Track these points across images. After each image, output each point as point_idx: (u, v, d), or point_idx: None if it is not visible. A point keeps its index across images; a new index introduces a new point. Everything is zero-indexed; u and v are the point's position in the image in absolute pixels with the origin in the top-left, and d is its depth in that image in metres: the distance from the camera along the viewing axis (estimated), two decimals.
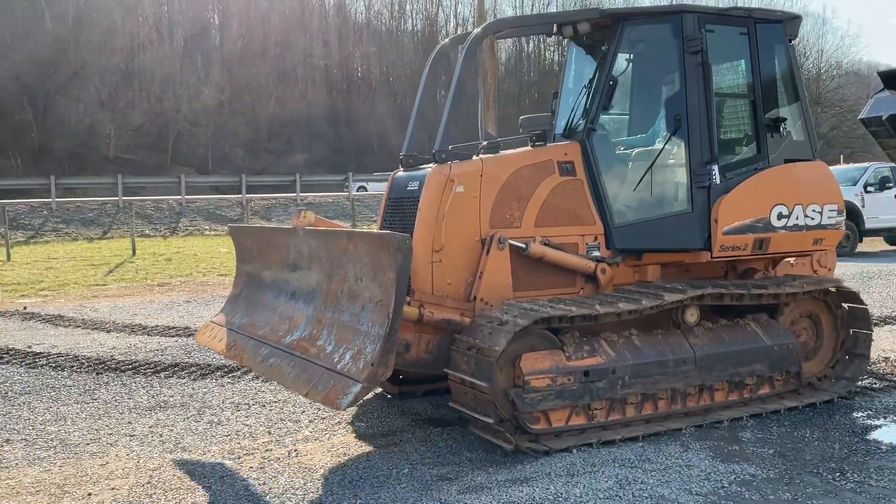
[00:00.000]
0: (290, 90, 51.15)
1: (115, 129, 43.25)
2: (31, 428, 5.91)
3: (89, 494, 4.57)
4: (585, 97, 6.14)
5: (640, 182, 6.06)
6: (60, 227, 26.48)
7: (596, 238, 5.93)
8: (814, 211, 6.34)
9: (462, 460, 4.98)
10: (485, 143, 6.01)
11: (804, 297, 6.17)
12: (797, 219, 6.27)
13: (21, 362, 8.15)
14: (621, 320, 5.37)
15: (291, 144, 48.46)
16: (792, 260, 6.87)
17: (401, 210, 5.83)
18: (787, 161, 6.32)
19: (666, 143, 6.09)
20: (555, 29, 6.49)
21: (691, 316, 5.62)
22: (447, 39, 6.78)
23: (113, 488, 4.66)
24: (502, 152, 5.92)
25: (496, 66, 6.52)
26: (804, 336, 6.32)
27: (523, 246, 5.62)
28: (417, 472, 4.76)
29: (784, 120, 6.32)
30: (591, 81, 6.14)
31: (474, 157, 5.69)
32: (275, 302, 5.90)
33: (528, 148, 5.96)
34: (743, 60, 6.41)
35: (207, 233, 26.95)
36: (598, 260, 5.88)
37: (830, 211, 6.43)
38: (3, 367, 7.98)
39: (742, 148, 6.43)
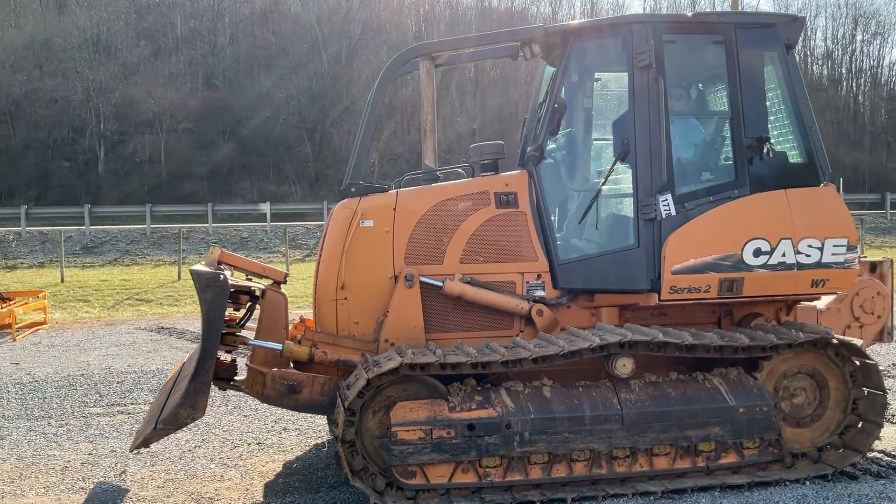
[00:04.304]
0: None
1: (379, 157, 47.04)
2: (303, 420, 6.87)
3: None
4: (536, 123, 5.59)
5: (585, 214, 5.36)
6: None
7: (539, 276, 5.30)
8: (810, 246, 5.20)
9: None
10: (409, 174, 5.59)
11: (779, 351, 5.05)
12: (783, 256, 5.17)
13: None
14: (527, 369, 4.73)
15: None
16: (820, 304, 5.68)
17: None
18: (781, 188, 5.28)
19: (611, 171, 5.32)
20: (518, 51, 5.83)
21: (623, 367, 4.84)
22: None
23: None
24: (439, 184, 5.47)
25: (433, 93, 5.61)
26: (799, 397, 5.23)
27: (439, 284, 5.16)
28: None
29: (768, 140, 5.27)
30: (540, 106, 5.56)
31: (391, 191, 5.34)
32: (199, 339, 5.56)
33: (463, 179, 5.50)
34: (720, 73, 5.44)
35: None
36: (538, 300, 5.26)
37: (836, 246, 5.23)
38: None
39: (712, 174, 5.47)
